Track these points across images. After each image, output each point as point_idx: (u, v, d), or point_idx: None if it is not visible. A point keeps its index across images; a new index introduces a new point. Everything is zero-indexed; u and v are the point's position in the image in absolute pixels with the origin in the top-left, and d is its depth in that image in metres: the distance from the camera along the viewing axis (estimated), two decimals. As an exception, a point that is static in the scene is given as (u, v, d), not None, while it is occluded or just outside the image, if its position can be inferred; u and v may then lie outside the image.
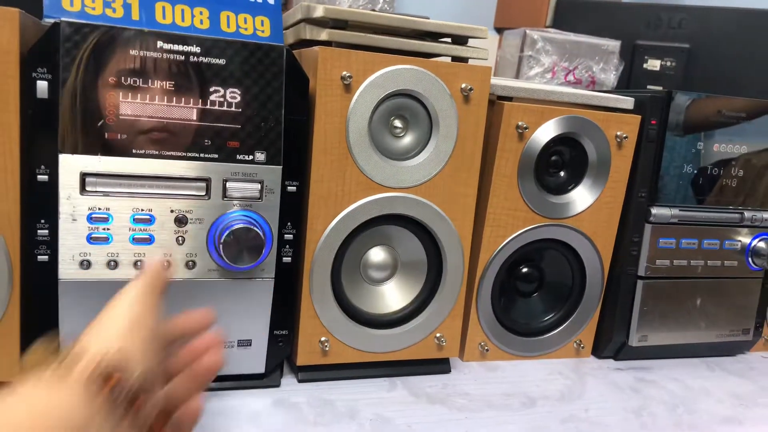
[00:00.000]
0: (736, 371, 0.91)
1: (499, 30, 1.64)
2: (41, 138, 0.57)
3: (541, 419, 0.71)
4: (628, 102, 0.81)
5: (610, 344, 0.88)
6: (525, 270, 0.85)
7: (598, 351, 0.89)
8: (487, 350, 0.82)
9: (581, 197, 0.81)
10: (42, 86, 0.56)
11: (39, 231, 0.59)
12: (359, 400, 0.70)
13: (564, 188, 0.81)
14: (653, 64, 1.33)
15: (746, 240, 0.89)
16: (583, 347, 0.87)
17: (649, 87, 1.29)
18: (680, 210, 0.84)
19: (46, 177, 0.58)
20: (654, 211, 0.83)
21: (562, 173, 0.81)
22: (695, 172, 0.85)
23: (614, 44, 1.28)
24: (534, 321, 0.86)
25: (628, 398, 0.79)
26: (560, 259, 0.85)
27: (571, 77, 1.33)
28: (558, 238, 0.82)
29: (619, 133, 0.80)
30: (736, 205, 0.87)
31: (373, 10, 0.74)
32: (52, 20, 0.57)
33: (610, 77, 1.34)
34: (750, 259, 0.89)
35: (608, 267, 0.85)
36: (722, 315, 0.90)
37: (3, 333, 0.59)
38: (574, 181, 0.81)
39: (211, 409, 0.65)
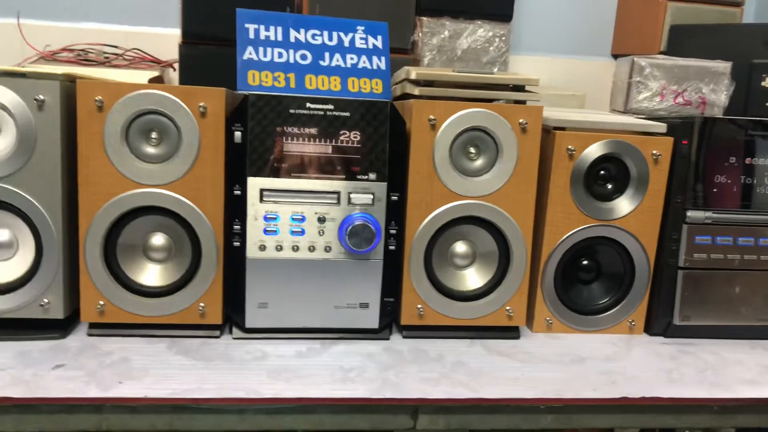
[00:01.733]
0: (777, 351, 1.07)
1: (616, 57, 1.81)
2: (237, 167, 0.91)
3: (584, 370, 0.94)
4: (661, 127, 1.02)
5: (658, 323, 1.07)
6: (585, 262, 1.08)
7: (649, 329, 1.09)
8: (551, 324, 1.06)
9: (626, 203, 1.03)
10: (237, 135, 0.90)
11: (235, 226, 0.92)
12: (445, 351, 0.97)
13: (610, 196, 1.03)
14: (771, 82, 1.42)
15: (781, 238, 1.05)
16: (634, 325, 1.08)
17: (767, 104, 1.40)
18: (714, 213, 1.03)
19: (239, 192, 0.91)
20: (689, 213, 1.03)
21: (609, 185, 1.03)
22: (728, 181, 1.03)
23: (724, 66, 1.39)
24: (592, 302, 1.08)
25: (664, 363, 0.99)
26: (612, 253, 1.06)
27: (680, 99, 1.48)
28: (608, 236, 1.04)
29: (654, 152, 1.01)
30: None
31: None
32: (243, 92, 0.91)
33: (721, 98, 1.46)
34: (785, 255, 1.06)
35: (653, 259, 1.06)
36: (761, 301, 1.07)
37: (213, 291, 0.93)
38: (619, 190, 1.03)
39: (343, 350, 0.94)
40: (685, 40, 1.58)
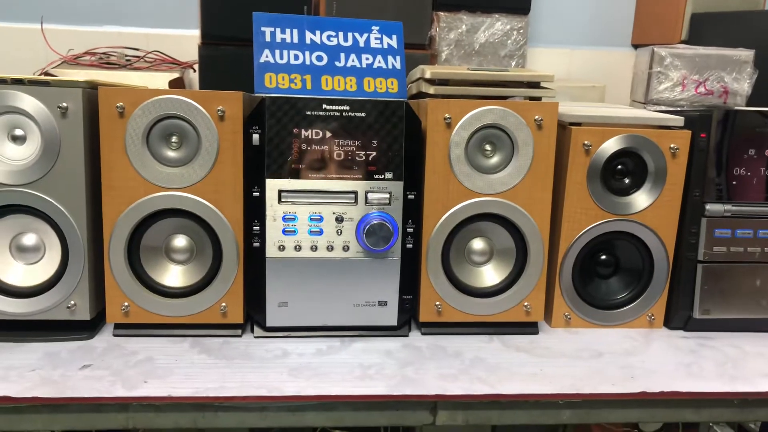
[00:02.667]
0: (800, 343, 1.06)
1: (637, 47, 1.80)
2: (255, 169, 0.92)
3: (602, 365, 0.94)
4: (678, 120, 1.02)
5: (678, 317, 1.07)
6: (603, 257, 1.08)
7: (668, 323, 1.09)
8: (570, 319, 1.06)
9: (644, 197, 1.03)
10: (255, 137, 0.91)
11: (254, 228, 0.94)
12: (464, 347, 0.98)
13: (628, 191, 1.03)
14: (796, 70, 1.39)
15: (802, 230, 1.04)
16: (654, 319, 1.08)
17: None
18: (732, 205, 1.03)
19: (258, 193, 0.93)
20: (708, 207, 1.02)
21: (626, 179, 1.03)
22: (747, 173, 1.03)
23: (747, 54, 1.37)
24: (611, 297, 1.08)
25: (684, 356, 0.98)
26: (631, 247, 1.06)
27: (702, 89, 1.47)
28: (626, 230, 1.04)
29: (672, 146, 1.01)
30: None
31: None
32: (260, 95, 0.92)
33: (744, 86, 1.44)
34: (807, 247, 1.05)
35: (672, 253, 1.05)
36: (783, 294, 1.06)
37: (234, 291, 0.95)
38: (636, 184, 1.03)
39: (363, 347, 0.96)
40: (706, 29, 1.56)
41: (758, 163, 1.02)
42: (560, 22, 1.77)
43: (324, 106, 0.91)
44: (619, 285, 1.08)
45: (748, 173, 1.03)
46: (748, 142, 1.02)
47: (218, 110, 0.90)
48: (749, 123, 1.01)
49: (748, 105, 1.43)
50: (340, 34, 1.00)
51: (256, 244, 0.94)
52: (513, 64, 1.59)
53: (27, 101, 0.87)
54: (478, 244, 1.01)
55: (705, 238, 1.03)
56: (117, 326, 0.96)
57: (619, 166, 1.03)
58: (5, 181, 0.88)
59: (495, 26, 1.56)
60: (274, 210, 0.93)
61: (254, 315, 0.97)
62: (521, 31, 1.57)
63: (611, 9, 1.78)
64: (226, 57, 1.40)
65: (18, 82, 0.87)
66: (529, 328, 1.04)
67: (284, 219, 0.93)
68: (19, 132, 0.88)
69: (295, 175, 0.92)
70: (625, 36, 1.81)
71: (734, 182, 1.03)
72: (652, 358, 0.97)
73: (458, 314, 1.01)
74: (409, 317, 1.01)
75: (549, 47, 1.76)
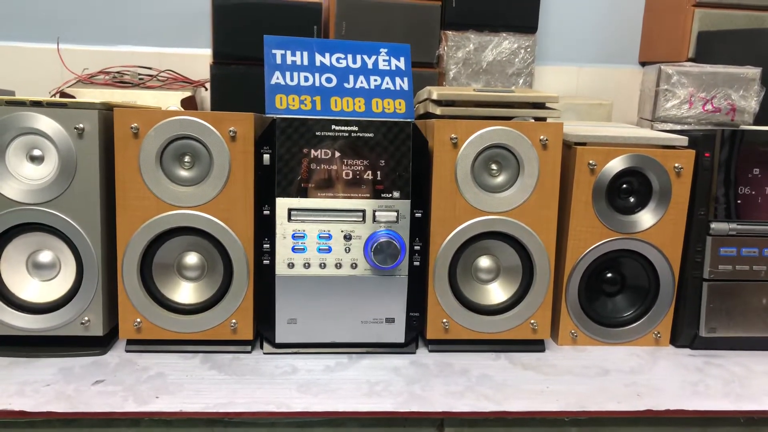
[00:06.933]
0: (807, 362, 1.06)
1: (644, 64, 1.81)
2: (265, 188, 0.94)
3: (608, 383, 0.95)
4: (682, 140, 1.03)
5: (684, 335, 1.08)
6: (609, 275, 1.08)
7: (675, 341, 1.09)
8: (576, 336, 1.07)
9: (649, 216, 1.04)
10: (266, 157, 0.93)
11: (264, 245, 0.95)
12: (470, 364, 0.99)
13: (633, 209, 1.04)
14: (803, 87, 1.39)
15: (808, 249, 1.05)
16: (660, 337, 1.08)
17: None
18: (738, 224, 1.03)
19: (268, 212, 0.94)
20: (713, 225, 1.03)
21: (631, 198, 1.04)
22: (752, 192, 1.03)
23: (754, 71, 1.39)
24: (617, 315, 1.08)
25: (690, 374, 0.99)
26: (636, 265, 1.07)
27: (709, 106, 1.48)
28: (632, 249, 1.05)
29: (676, 165, 1.02)
30: (792, 219, 1.04)
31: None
32: (271, 116, 0.94)
33: (751, 104, 1.46)
34: (813, 265, 1.05)
35: (678, 271, 1.06)
36: (789, 313, 1.06)
37: (244, 308, 0.97)
38: (641, 203, 1.04)
39: (370, 364, 0.97)
40: (713, 46, 1.57)
41: (763, 181, 1.03)
42: (567, 40, 1.79)
43: (333, 126, 0.93)
44: (625, 303, 1.09)
45: (753, 192, 1.03)
46: (753, 161, 1.03)
47: (230, 131, 0.92)
48: (754, 142, 1.02)
49: (755, 123, 1.44)
50: (349, 56, 1.02)
51: (266, 262, 0.96)
52: (521, 82, 1.61)
53: (45, 122, 0.89)
54: (484, 261, 1.02)
55: (710, 256, 1.04)
56: (129, 342, 0.98)
57: (624, 185, 1.04)
58: (23, 199, 0.91)
59: (502, 45, 1.58)
60: (283, 228, 0.95)
61: (264, 331, 0.99)
62: (529, 49, 1.59)
63: (618, 27, 1.80)
64: (237, 76, 1.43)
65: (36, 104, 0.90)
66: (535, 345, 1.05)
67: (294, 237, 0.95)
68: (37, 152, 0.91)
69: (305, 194, 0.94)
70: (633, 53, 1.83)
71: (739, 201, 1.03)
72: (659, 376, 0.97)
73: (465, 332, 1.02)
74: (417, 334, 1.02)
75: (556, 65, 1.78)
